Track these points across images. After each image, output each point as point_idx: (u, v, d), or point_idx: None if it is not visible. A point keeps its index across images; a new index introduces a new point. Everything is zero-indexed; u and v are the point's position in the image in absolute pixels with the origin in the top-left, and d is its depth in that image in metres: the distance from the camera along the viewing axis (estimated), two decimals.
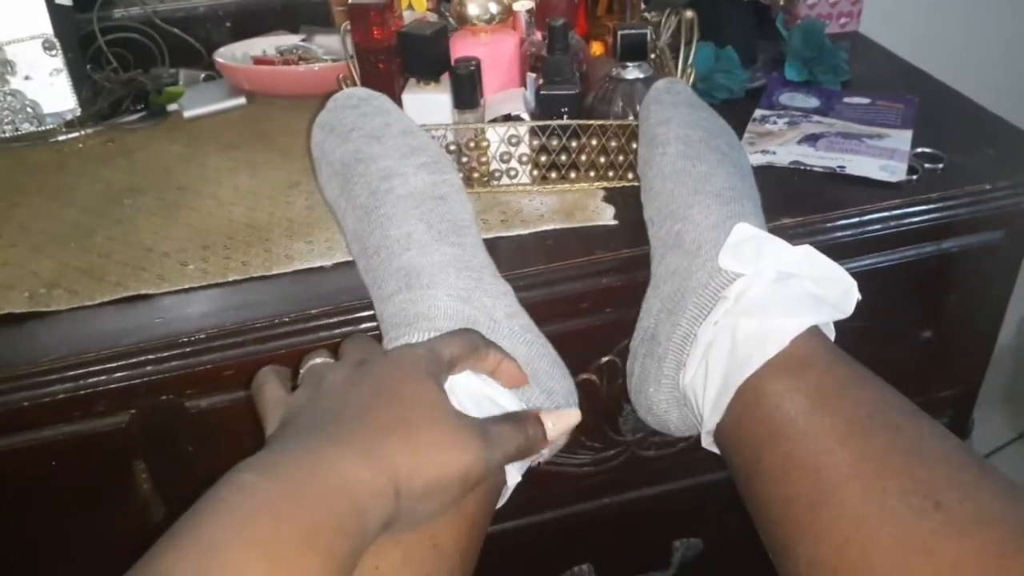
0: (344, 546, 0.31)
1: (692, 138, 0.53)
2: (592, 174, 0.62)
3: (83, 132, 0.76)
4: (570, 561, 0.76)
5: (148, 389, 0.52)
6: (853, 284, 0.44)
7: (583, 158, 0.61)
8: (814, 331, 0.42)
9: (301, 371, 0.42)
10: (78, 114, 0.75)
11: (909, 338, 0.69)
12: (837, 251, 0.61)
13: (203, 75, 0.85)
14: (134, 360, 0.51)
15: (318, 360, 0.42)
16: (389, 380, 0.38)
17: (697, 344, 0.45)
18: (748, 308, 0.43)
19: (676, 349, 0.47)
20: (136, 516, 0.57)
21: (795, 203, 0.60)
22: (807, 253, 0.45)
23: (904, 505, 0.34)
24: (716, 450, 0.46)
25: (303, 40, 0.86)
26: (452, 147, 0.62)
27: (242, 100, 0.80)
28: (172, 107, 0.80)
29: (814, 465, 0.37)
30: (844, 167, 0.64)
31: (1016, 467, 1.47)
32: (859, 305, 0.65)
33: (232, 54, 0.83)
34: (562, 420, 0.42)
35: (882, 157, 0.65)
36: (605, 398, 0.63)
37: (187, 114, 0.79)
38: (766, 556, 0.41)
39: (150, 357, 0.51)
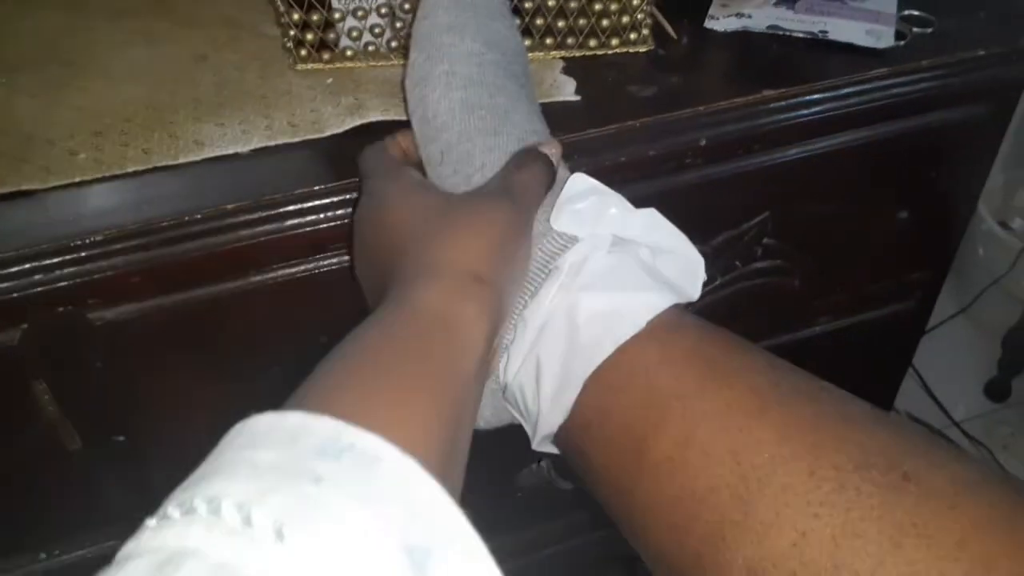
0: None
1: (488, 59, 0.43)
2: (548, 41, 0.55)
3: None
4: (528, 460, 0.73)
5: (41, 301, 0.44)
6: (701, 262, 0.37)
7: (538, 22, 0.53)
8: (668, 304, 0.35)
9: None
10: None
11: (885, 218, 0.64)
12: (818, 127, 0.56)
13: None
14: (17, 269, 0.43)
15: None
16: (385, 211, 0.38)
17: (525, 329, 0.37)
18: (590, 282, 0.35)
19: None
20: (45, 444, 0.50)
21: (774, 74, 0.54)
22: (652, 217, 0.37)
23: (867, 481, 0.27)
24: (553, 450, 0.38)
25: None
26: (384, 10, 0.53)
27: None
28: None
29: (729, 448, 0.30)
30: (826, 32, 0.57)
31: (956, 341, 1.50)
32: (836, 185, 0.61)
33: None
34: (555, 145, 0.40)
35: (867, 20, 0.58)
36: None
37: None
38: None
39: (37, 264, 0.43)
